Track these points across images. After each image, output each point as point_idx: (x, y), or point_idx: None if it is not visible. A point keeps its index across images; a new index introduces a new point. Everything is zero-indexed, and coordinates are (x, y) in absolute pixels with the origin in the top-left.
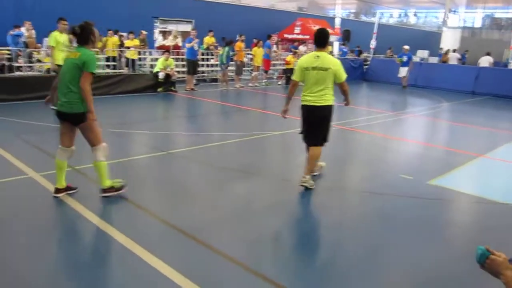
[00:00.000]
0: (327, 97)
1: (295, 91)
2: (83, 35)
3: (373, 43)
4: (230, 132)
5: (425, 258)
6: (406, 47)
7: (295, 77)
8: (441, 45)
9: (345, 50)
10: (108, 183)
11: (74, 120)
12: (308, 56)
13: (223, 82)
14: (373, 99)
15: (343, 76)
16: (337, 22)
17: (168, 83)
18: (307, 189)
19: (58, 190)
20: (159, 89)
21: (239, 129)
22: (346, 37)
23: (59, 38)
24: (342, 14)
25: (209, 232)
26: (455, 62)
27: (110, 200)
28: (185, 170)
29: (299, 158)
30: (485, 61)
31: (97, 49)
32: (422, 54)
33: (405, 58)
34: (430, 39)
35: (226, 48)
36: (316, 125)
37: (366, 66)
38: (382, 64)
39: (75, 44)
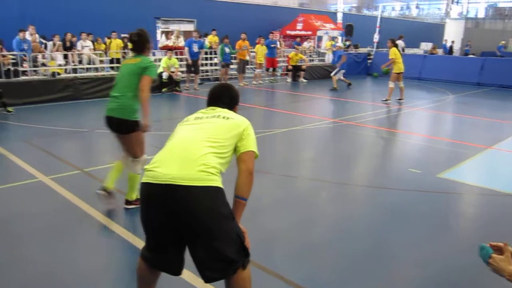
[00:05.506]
0: (206, 167)
1: None
2: (139, 43)
3: (376, 37)
4: None
5: (436, 252)
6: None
7: None
8: (445, 37)
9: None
10: (134, 196)
11: (120, 128)
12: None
13: (222, 80)
14: (377, 93)
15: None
16: (339, 16)
17: (172, 84)
18: None
19: (128, 202)
20: (163, 89)
21: None
22: (349, 31)
23: None
24: (344, 9)
25: None
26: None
27: (118, 201)
28: None
29: (304, 155)
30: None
31: (101, 51)
32: (425, 46)
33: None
34: (433, 31)
35: (221, 46)
36: (190, 235)
37: (370, 60)
38: (386, 57)
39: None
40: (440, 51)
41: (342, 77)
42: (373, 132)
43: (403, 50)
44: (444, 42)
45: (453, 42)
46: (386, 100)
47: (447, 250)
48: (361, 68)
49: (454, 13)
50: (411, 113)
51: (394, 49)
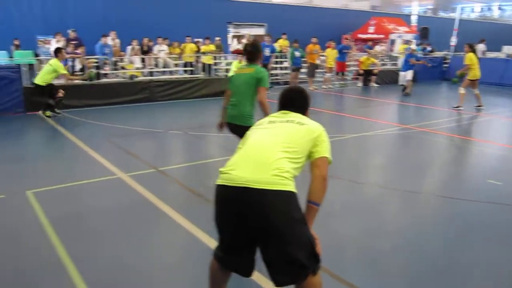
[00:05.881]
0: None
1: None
2: (253, 53)
3: (453, 40)
4: None
5: None
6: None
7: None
8: None
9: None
10: None
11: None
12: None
13: (292, 84)
14: (453, 99)
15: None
16: (414, 19)
17: None
18: None
19: None
20: None
21: None
22: (424, 35)
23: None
24: (419, 11)
25: None
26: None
27: (190, 199)
28: None
29: (374, 161)
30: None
31: (175, 55)
32: (508, 50)
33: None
34: None
35: (291, 49)
36: (259, 238)
37: (446, 65)
38: (463, 62)
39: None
40: None
41: (410, 78)
42: (447, 140)
43: (483, 54)
44: None
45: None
46: (458, 107)
47: None
48: (437, 73)
49: None
50: (491, 120)
51: (470, 54)
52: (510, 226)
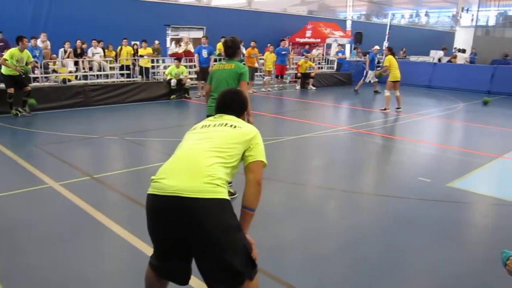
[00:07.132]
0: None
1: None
2: (232, 49)
3: (385, 45)
4: None
5: (446, 261)
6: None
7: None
8: (455, 45)
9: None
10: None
11: None
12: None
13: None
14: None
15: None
16: (348, 24)
17: (181, 90)
18: None
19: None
20: (172, 96)
21: None
22: (358, 39)
23: (17, 55)
24: (353, 16)
25: None
26: (462, 62)
27: (126, 206)
28: None
29: (313, 162)
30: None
31: (111, 58)
32: (435, 54)
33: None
34: (443, 39)
35: None
36: (191, 249)
37: (379, 68)
38: None
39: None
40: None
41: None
42: (382, 140)
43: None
44: (454, 50)
45: (461, 50)
46: (384, 109)
47: (456, 260)
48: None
49: (466, 21)
50: (421, 121)
51: (389, 56)
52: (439, 221)
